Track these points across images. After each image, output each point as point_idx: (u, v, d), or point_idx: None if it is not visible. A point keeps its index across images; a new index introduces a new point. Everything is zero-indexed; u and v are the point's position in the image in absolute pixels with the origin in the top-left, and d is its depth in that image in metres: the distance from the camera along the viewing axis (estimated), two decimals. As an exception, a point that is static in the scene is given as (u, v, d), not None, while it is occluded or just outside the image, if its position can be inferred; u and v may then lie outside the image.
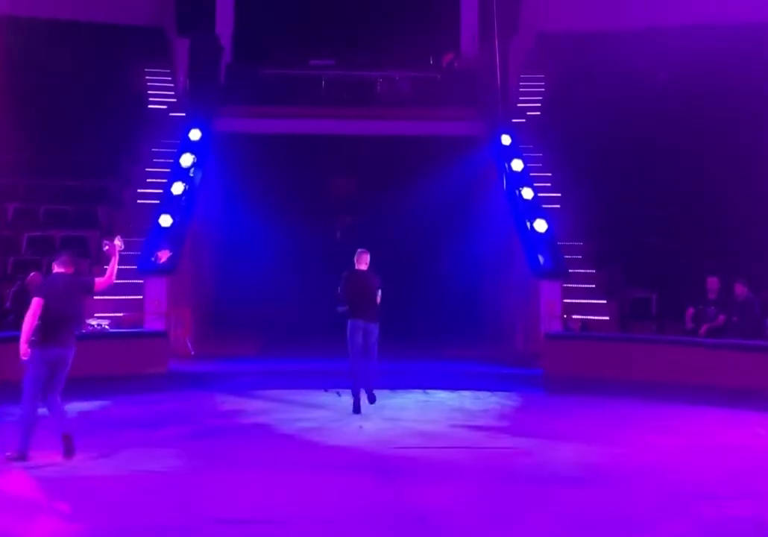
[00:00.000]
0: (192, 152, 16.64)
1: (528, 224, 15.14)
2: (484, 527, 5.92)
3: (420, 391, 11.56)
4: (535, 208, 15.57)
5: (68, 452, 7.41)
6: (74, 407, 10.21)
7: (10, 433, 7.77)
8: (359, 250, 10.07)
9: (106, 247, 7.95)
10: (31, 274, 13.02)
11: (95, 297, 14.12)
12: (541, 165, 17.74)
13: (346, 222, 19.75)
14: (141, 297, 13.98)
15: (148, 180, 17.21)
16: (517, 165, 16.55)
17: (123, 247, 8.00)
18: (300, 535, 5.77)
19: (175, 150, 17.15)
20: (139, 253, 14.54)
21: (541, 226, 14.94)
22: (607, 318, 14.40)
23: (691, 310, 12.93)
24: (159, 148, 17.97)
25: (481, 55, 19.71)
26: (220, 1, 20.63)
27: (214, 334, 16.17)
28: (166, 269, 14.04)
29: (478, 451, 8.15)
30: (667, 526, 5.92)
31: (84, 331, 12.51)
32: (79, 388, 10.89)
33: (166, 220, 14.84)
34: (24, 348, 7.42)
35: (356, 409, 9.75)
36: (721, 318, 12.60)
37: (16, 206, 15.86)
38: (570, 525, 5.93)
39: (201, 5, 20.17)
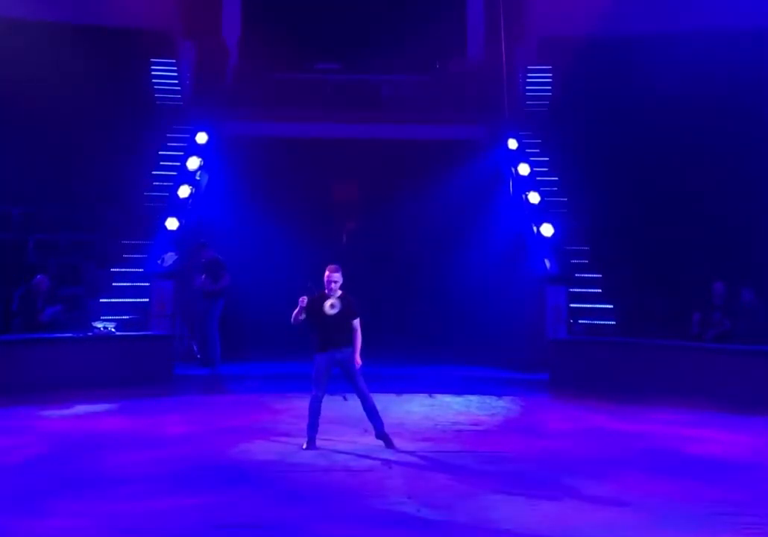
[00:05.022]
0: (198, 155, 16.66)
1: (534, 228, 15.13)
2: (489, 530, 5.91)
3: (426, 395, 11.55)
4: (541, 212, 15.55)
5: None
6: (79, 410, 10.26)
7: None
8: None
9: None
10: (37, 277, 13.05)
11: (101, 300, 14.27)
12: (547, 169, 17.71)
13: (351, 226, 19.72)
14: (147, 300, 14.00)
15: (154, 183, 17.22)
16: (523, 169, 16.52)
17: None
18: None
19: (182, 153, 17.17)
20: (146, 255, 14.58)
21: (547, 230, 14.92)
22: (613, 322, 14.37)
23: (697, 316, 12.90)
24: (166, 151, 17.99)
25: (487, 58, 19.70)
26: (227, 5, 20.66)
27: (220, 338, 16.13)
28: (172, 272, 14.06)
29: (484, 455, 8.14)
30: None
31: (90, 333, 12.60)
32: (84, 391, 10.96)
33: (172, 223, 14.87)
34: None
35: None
36: (727, 323, 12.57)
37: (21, 210, 15.87)
38: (577, 527, 5.92)
39: (208, 9, 20.18)
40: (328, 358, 8.43)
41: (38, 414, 10.02)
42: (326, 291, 8.53)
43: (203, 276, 13.56)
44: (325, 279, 8.52)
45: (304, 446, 8.30)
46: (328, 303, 8.40)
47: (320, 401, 8.43)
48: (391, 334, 15.01)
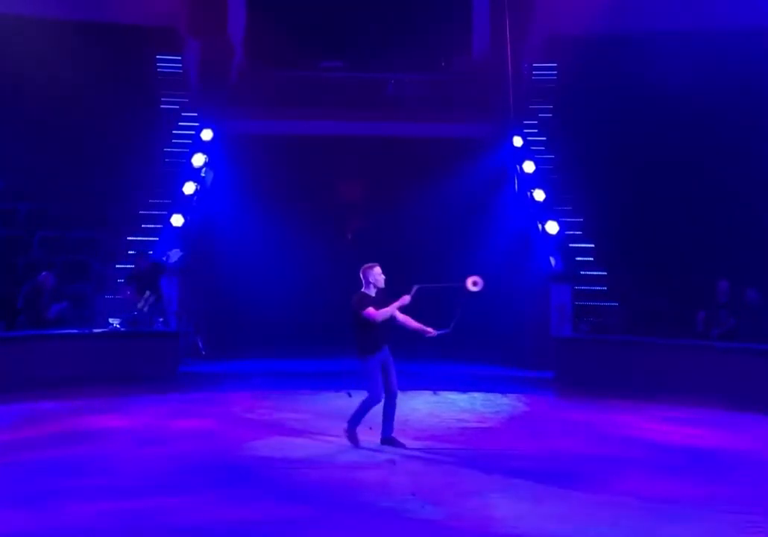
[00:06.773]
0: (203, 152, 16.68)
1: (539, 226, 15.12)
2: (493, 528, 5.91)
3: (430, 392, 11.56)
4: (546, 210, 15.54)
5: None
6: (84, 406, 10.28)
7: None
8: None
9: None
10: (42, 273, 13.07)
11: (106, 297, 14.30)
12: (552, 167, 17.69)
13: (356, 224, 19.72)
14: (152, 297, 14.00)
15: (159, 180, 17.21)
16: (528, 167, 16.52)
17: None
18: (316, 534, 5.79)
19: (187, 150, 17.18)
20: (151, 252, 14.59)
21: (552, 227, 14.91)
22: (618, 321, 14.34)
23: (702, 314, 12.88)
24: (171, 147, 18.00)
25: (493, 56, 19.66)
26: (232, 3, 20.63)
27: (225, 335, 16.18)
28: (178, 269, 14.08)
29: (489, 453, 8.13)
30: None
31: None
32: (89, 387, 10.99)
33: (177, 220, 14.89)
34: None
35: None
36: (733, 322, 12.55)
37: (27, 207, 15.89)
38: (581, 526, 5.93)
39: (213, 7, 20.17)
40: (381, 358, 8.30)
41: (43, 410, 10.04)
42: (371, 287, 8.31)
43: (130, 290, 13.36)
44: (376, 276, 8.32)
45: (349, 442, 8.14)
46: (470, 281, 8.31)
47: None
48: (395, 330, 14.98)
